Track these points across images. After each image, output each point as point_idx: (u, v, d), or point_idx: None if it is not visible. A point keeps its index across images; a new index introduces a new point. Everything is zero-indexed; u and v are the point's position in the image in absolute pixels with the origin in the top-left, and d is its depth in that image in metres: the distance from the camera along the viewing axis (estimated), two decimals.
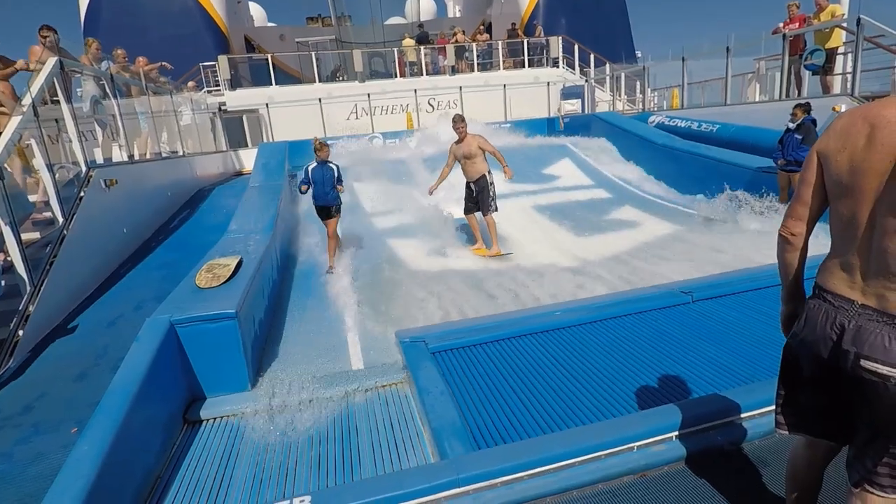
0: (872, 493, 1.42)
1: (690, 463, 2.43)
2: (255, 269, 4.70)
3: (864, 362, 1.35)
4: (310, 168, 6.75)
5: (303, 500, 2.16)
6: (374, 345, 4.57)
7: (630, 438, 2.45)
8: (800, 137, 6.86)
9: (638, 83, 17.39)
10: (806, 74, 9.68)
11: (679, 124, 11.34)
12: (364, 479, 2.74)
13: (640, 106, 16.54)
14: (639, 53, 23.70)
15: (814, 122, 6.85)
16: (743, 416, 2.61)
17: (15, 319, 4.50)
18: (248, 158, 14.24)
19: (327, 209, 6.85)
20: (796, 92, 9.82)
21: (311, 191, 6.77)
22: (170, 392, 3.47)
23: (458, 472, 2.25)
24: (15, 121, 5.03)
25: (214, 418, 3.60)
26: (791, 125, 6.97)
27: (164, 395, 3.37)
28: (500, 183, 10.63)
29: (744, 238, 6.70)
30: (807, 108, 6.91)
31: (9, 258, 4.69)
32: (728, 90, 11.14)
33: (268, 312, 5.03)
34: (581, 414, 2.98)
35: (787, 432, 1.68)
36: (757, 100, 11.46)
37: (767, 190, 7.55)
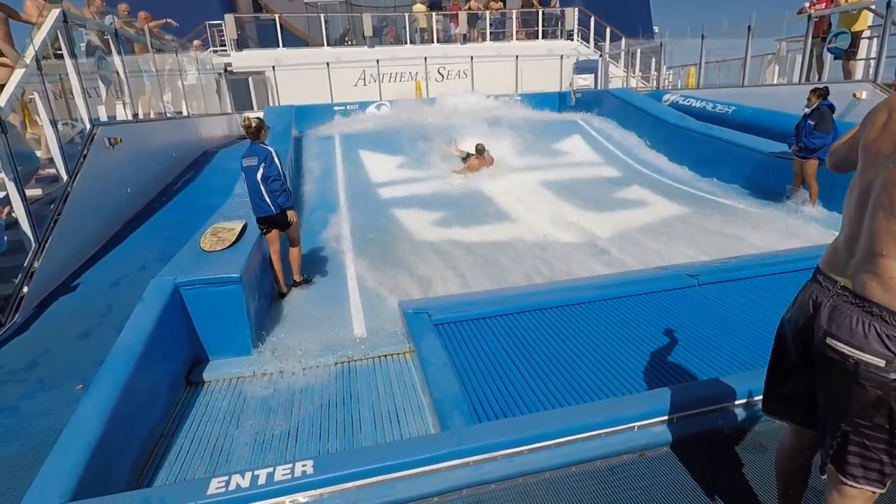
0: (846, 483, 1.44)
1: (690, 445, 2.44)
2: (260, 233, 4.68)
3: (829, 340, 1.40)
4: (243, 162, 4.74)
5: (305, 465, 2.18)
6: (377, 314, 4.57)
7: (631, 418, 2.45)
8: (813, 123, 6.70)
9: (653, 60, 16.97)
10: (828, 58, 9.40)
11: (694, 104, 11.11)
12: (366, 447, 2.77)
13: (655, 84, 16.19)
14: (656, 29, 23.05)
15: (831, 107, 6.67)
16: (744, 400, 2.61)
17: (20, 275, 4.51)
18: None
19: (268, 220, 4.77)
20: (817, 76, 9.56)
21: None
22: (173, 353, 3.49)
23: (460, 443, 2.27)
24: (18, 73, 4.93)
25: (217, 380, 3.63)
26: (806, 110, 6.81)
27: (168, 355, 3.39)
28: (508, 157, 10.59)
29: (753, 223, 6.63)
30: (823, 93, 6.71)
31: (13, 213, 4.67)
32: (746, 71, 10.87)
33: (271, 277, 5.03)
34: (582, 392, 2.99)
35: (772, 416, 1.72)
36: (775, 82, 11.19)
37: (781, 175, 7.43)
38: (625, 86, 16.19)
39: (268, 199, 4.64)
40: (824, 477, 1.50)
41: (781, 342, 1.64)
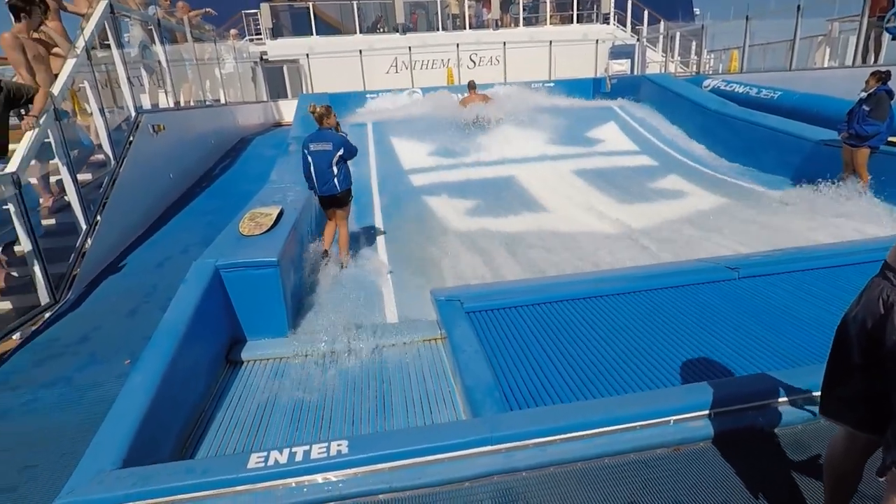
0: None
1: (727, 441, 2.40)
2: (296, 219, 4.78)
3: None
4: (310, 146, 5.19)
5: (340, 445, 2.25)
6: (409, 300, 4.62)
7: (666, 412, 2.42)
8: (868, 109, 6.35)
9: (694, 43, 16.39)
10: (886, 39, 8.88)
11: (736, 89, 10.70)
12: (399, 430, 2.82)
13: (695, 68, 15.66)
14: (697, 11, 22.23)
15: (889, 93, 6.29)
16: (786, 398, 2.53)
17: (72, 255, 4.73)
18: (287, 109, 14.28)
19: (331, 198, 5.32)
20: (873, 58, 9.05)
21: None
22: (214, 332, 3.61)
23: (492, 430, 2.29)
24: (70, 63, 5.13)
25: (254, 360, 3.75)
26: (863, 94, 6.45)
27: (209, 334, 3.51)
28: (538, 145, 10.45)
29: (798, 215, 6.39)
30: (884, 76, 6.34)
31: (65, 197, 4.89)
32: (795, 54, 10.39)
33: (306, 262, 5.13)
34: (616, 384, 2.97)
35: (828, 418, 1.64)
36: (826, 65, 10.67)
37: (830, 165, 7.10)
38: (663, 71, 15.72)
39: (336, 181, 5.13)
40: (882, 479, 1.42)
41: (843, 342, 1.55)
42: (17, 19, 4.82)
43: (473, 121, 10.98)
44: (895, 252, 1.45)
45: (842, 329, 1.58)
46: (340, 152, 5.12)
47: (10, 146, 4.44)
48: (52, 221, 5.00)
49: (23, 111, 4.64)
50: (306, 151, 5.19)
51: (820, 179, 7.04)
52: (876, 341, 1.42)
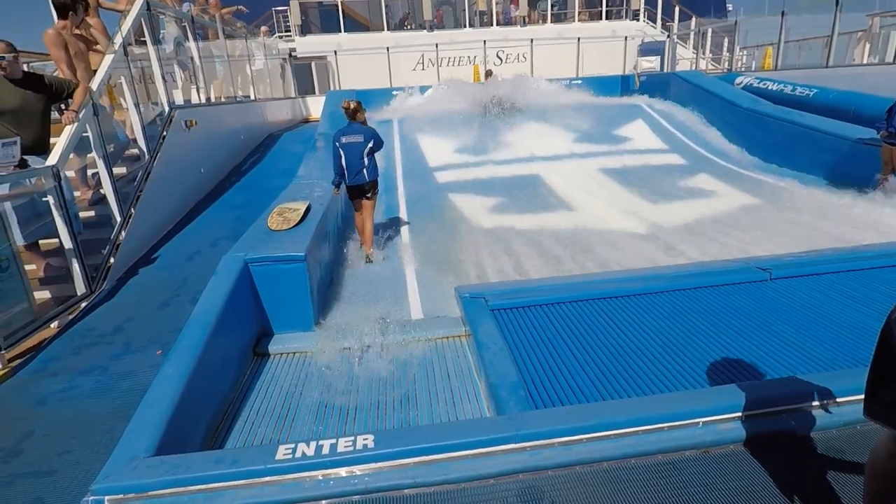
0: None
1: (758, 444, 2.34)
2: (322, 214, 4.83)
3: None
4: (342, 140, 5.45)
5: (366, 439, 2.26)
6: (433, 297, 4.63)
7: (696, 413, 2.37)
8: None
9: (726, 40, 16.02)
10: None
11: (770, 87, 10.43)
12: (425, 425, 2.83)
13: (727, 65, 15.31)
14: (730, 7, 21.75)
15: None
16: (821, 402, 2.46)
17: (107, 247, 4.88)
18: (314, 105, 14.44)
19: (359, 188, 5.63)
20: None
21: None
22: (242, 325, 3.68)
23: (518, 428, 2.28)
24: (108, 59, 5.28)
25: (281, 353, 3.80)
26: None
27: (238, 327, 3.58)
28: (565, 143, 10.35)
29: (834, 216, 6.19)
30: None
31: (101, 190, 5.04)
32: (832, 50, 10.07)
33: (331, 257, 5.19)
34: (643, 384, 2.92)
35: (873, 420, 1.58)
36: (865, 62, 10.30)
37: (868, 164, 6.86)
38: (693, 68, 15.39)
39: (366, 172, 5.47)
40: None
41: (887, 343, 1.52)
42: (61, 16, 4.96)
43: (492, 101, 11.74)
44: None
45: (886, 330, 1.53)
46: (371, 144, 5.44)
47: (52, 139, 4.59)
48: (90, 214, 5.16)
49: (63, 106, 4.79)
50: (337, 144, 5.41)
51: (858, 179, 6.80)
52: None
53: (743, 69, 14.41)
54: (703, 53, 16.02)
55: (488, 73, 15.05)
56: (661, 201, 7.43)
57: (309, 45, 16.84)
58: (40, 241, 4.43)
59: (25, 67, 4.70)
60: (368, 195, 5.63)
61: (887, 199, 6.34)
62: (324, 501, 2.13)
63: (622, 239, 6.02)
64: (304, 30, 17.27)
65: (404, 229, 6.68)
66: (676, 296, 3.93)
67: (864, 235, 5.42)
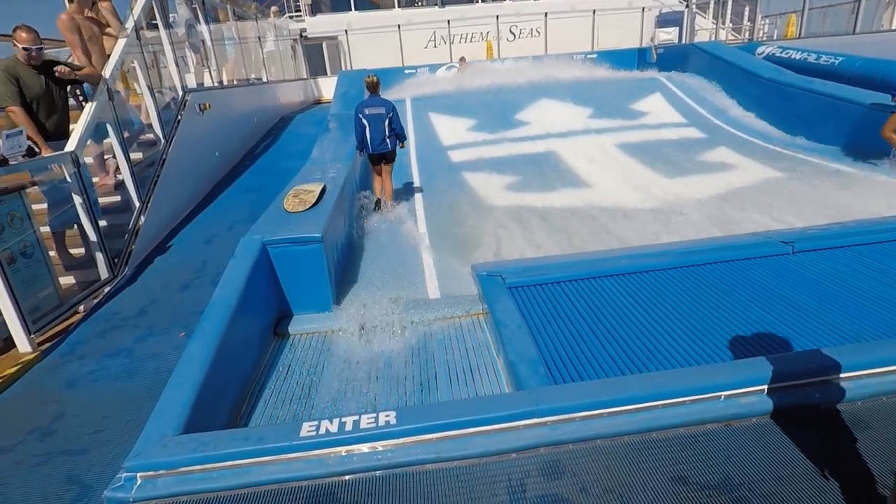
0: None
1: (781, 417, 2.32)
2: (338, 195, 4.83)
3: None
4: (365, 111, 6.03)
5: (388, 415, 2.29)
6: (450, 276, 4.63)
7: (717, 387, 2.36)
8: None
9: (747, 9, 15.52)
10: None
11: (793, 56, 10.07)
12: (446, 402, 2.86)
13: (748, 35, 14.84)
14: None
15: None
16: (845, 375, 2.42)
17: (128, 233, 4.95)
18: (326, 86, 14.36)
19: (381, 155, 6.24)
20: None
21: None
22: (262, 306, 3.73)
23: (538, 403, 2.28)
24: (121, 43, 5.28)
25: (301, 334, 3.85)
26: None
27: (258, 308, 3.62)
28: (581, 119, 10.18)
29: (857, 187, 6.02)
30: None
31: (120, 176, 5.09)
32: (859, 16, 9.68)
33: (348, 238, 5.21)
34: (663, 359, 2.90)
35: None
36: (894, 27, 9.90)
37: None
38: (713, 38, 14.94)
39: (388, 141, 6.07)
40: None
41: None
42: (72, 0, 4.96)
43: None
44: None
45: None
46: (392, 115, 6.02)
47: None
48: (109, 200, 5.23)
49: (77, 91, 4.81)
50: (361, 115, 5.98)
51: (883, 148, 6.59)
52: None
53: (765, 38, 13.96)
54: (723, 23, 15.54)
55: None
56: (680, 176, 7.30)
57: (319, 24, 16.67)
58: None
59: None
60: (389, 161, 6.29)
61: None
62: (348, 476, 2.17)
63: (640, 215, 5.93)
64: (315, 9, 17.08)
65: (419, 207, 6.66)
66: (697, 270, 3.88)
67: (886, 206, 5.27)
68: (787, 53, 10.33)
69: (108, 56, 5.18)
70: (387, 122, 6.01)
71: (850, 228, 4.36)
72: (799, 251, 4.04)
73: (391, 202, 6.44)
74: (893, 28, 9.90)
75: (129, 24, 5.45)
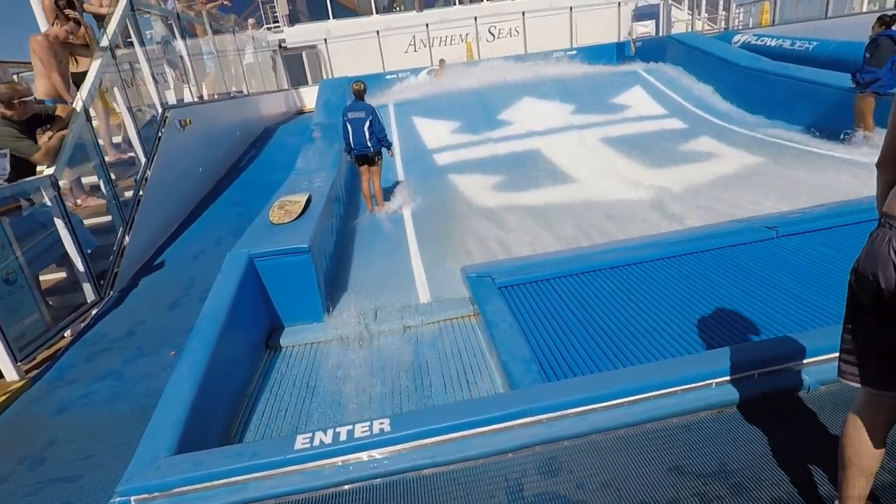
0: None
1: (774, 400, 2.34)
2: (324, 205, 4.82)
3: None
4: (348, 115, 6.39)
5: (382, 422, 2.28)
6: (439, 279, 4.63)
7: (708, 375, 2.37)
8: (868, 55, 6.00)
9: None
10: None
11: (768, 43, 10.21)
12: (440, 405, 2.85)
13: (723, 24, 15.00)
14: None
15: (892, 38, 5.90)
16: (835, 354, 2.43)
17: (113, 253, 4.89)
18: (308, 96, 14.31)
19: (364, 157, 6.53)
20: None
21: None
22: (252, 320, 3.70)
23: (532, 401, 2.29)
24: (96, 63, 5.22)
25: (293, 345, 3.83)
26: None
27: (248, 322, 3.60)
28: (563, 116, 10.23)
29: (836, 169, 6.10)
30: (888, 21, 5.95)
31: (101, 198, 5.03)
32: (831, 0, 9.82)
33: (336, 247, 5.19)
34: (654, 350, 2.92)
35: (852, 382, 1.56)
36: (865, 10, 10.05)
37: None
38: (689, 30, 15.09)
39: (368, 142, 6.34)
40: None
41: (853, 297, 1.51)
42: (50, 22, 4.86)
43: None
44: (891, 200, 1.41)
45: (849, 286, 1.51)
46: (372, 118, 6.32)
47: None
48: (92, 221, 5.16)
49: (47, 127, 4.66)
50: (345, 119, 6.37)
51: (851, 131, 6.74)
52: (890, 293, 1.36)
53: (740, 27, 14.12)
54: (699, 14, 15.69)
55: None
56: (663, 167, 7.35)
57: (298, 34, 16.62)
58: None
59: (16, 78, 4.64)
60: (374, 163, 6.54)
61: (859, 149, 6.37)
62: (346, 486, 2.15)
63: (626, 207, 5.97)
64: (293, 19, 17.03)
65: (406, 212, 6.65)
66: (684, 260, 3.91)
67: (863, 188, 5.33)
68: (762, 41, 10.46)
69: (84, 74, 5.10)
70: (367, 125, 6.30)
71: (831, 210, 4.41)
72: (783, 235, 4.09)
73: (382, 205, 6.67)
74: (864, 11, 10.05)
75: (104, 43, 5.40)
